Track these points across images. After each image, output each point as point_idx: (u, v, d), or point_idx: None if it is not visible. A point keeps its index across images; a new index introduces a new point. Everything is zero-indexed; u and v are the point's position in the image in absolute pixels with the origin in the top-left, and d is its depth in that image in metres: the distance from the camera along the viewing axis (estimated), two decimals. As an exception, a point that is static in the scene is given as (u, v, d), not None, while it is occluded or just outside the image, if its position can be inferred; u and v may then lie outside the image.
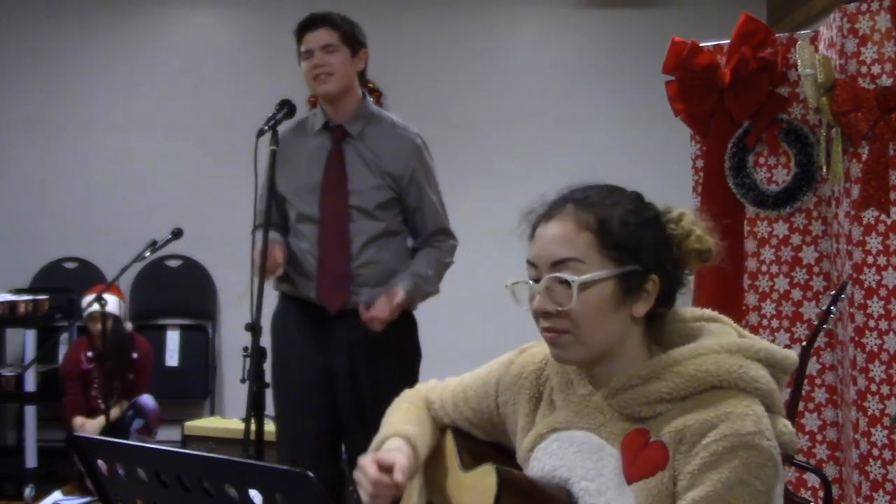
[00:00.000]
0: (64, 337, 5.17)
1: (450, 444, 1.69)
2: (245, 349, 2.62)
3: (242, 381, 2.61)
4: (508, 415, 1.63)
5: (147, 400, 4.91)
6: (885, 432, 2.89)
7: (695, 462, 1.36)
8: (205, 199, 5.70)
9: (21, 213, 5.76)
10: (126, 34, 5.86)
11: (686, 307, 1.58)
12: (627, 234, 1.45)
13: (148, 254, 4.23)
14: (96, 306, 4.48)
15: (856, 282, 2.95)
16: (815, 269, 3.22)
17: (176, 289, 5.80)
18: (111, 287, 4.54)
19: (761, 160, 3.30)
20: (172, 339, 5.74)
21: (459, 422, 1.70)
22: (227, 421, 4.60)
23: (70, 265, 5.77)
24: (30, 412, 4.95)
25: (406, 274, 2.98)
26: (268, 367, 2.72)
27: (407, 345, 3.05)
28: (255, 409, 2.59)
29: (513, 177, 5.67)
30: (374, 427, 1.75)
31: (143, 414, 4.87)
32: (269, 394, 2.70)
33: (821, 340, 3.08)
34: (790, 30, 3.83)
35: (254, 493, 1.15)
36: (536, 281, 1.48)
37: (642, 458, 1.41)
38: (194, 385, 5.70)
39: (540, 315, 1.47)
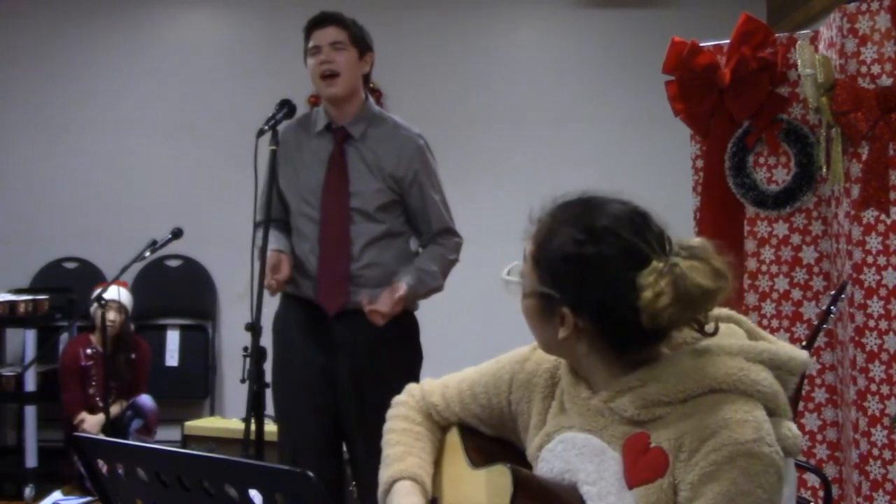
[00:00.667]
0: (64, 337, 5.17)
1: (455, 439, 1.68)
2: (245, 349, 2.62)
3: (242, 381, 2.61)
4: (522, 412, 1.62)
5: (146, 400, 4.91)
6: (885, 432, 2.89)
7: (695, 472, 1.35)
8: (205, 199, 5.70)
9: (21, 213, 5.76)
10: (126, 34, 5.86)
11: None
12: (555, 258, 1.47)
13: (148, 254, 4.23)
14: (113, 294, 4.50)
15: (856, 282, 2.95)
16: (815, 269, 3.22)
17: (176, 289, 5.80)
18: (121, 283, 4.58)
19: (761, 160, 3.30)
20: (172, 339, 5.74)
21: (468, 419, 1.68)
22: (227, 421, 4.60)
23: (70, 265, 5.77)
24: (30, 412, 4.95)
25: (409, 269, 2.99)
26: (268, 366, 2.71)
27: (408, 345, 3.05)
28: (255, 409, 2.59)
29: (513, 176, 5.68)
30: (374, 428, 1.75)
31: (141, 414, 4.87)
32: (269, 394, 2.70)
33: (821, 340, 3.08)
34: (790, 30, 3.83)
35: (254, 493, 1.15)
36: None
37: (642, 463, 1.40)
38: (194, 385, 5.70)
39: None
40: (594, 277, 1.42)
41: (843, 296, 2.86)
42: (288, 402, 3.04)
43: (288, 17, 3.16)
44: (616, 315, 1.41)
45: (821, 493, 2.93)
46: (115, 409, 4.83)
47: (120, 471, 1.29)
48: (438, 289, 3.06)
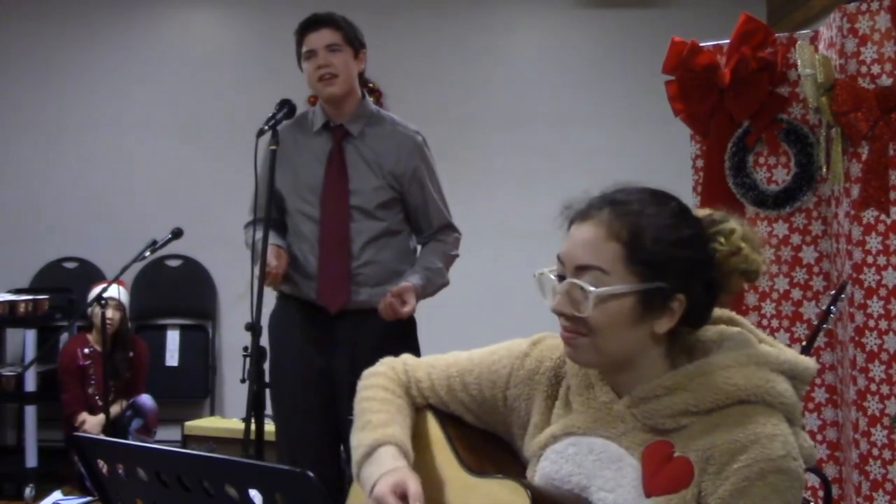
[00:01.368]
0: (64, 337, 5.17)
1: (435, 429, 1.62)
2: (245, 349, 2.62)
3: (242, 381, 2.61)
4: (518, 409, 1.58)
5: (145, 400, 4.91)
6: (885, 432, 2.89)
7: (725, 486, 1.34)
8: (205, 199, 5.69)
9: (21, 213, 5.76)
10: (126, 34, 5.86)
11: None
12: (658, 251, 1.40)
13: (148, 254, 4.22)
14: (112, 292, 4.51)
15: (856, 282, 2.95)
16: (815, 269, 3.22)
17: (176, 289, 5.80)
18: (118, 281, 4.57)
19: (761, 160, 3.30)
20: (172, 339, 5.74)
21: (451, 404, 1.63)
22: (227, 421, 4.60)
23: (70, 265, 5.77)
24: (30, 412, 4.95)
25: (416, 268, 2.99)
26: (268, 366, 2.71)
27: (406, 344, 3.02)
28: (255, 409, 2.59)
29: (513, 176, 5.68)
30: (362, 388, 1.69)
31: (141, 414, 4.87)
32: (269, 394, 2.70)
33: (821, 340, 3.08)
34: (790, 30, 3.83)
35: (254, 493, 1.15)
36: (561, 278, 1.45)
37: (665, 472, 1.38)
38: (194, 385, 5.70)
39: (559, 314, 1.45)
40: (699, 256, 1.43)
41: (843, 296, 2.86)
42: (287, 402, 3.04)
43: (288, 18, 3.15)
44: (708, 291, 1.44)
45: (821, 493, 2.93)
46: (114, 409, 4.83)
47: (120, 471, 1.29)
48: (445, 285, 3.08)
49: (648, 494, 1.38)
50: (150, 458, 1.27)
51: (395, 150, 3.00)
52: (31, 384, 4.94)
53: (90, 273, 5.63)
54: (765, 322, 3.27)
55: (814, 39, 3.20)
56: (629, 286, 1.39)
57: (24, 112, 5.81)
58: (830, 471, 3.11)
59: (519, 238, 5.34)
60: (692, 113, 3.37)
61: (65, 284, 5.51)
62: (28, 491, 4.86)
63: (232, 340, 5.69)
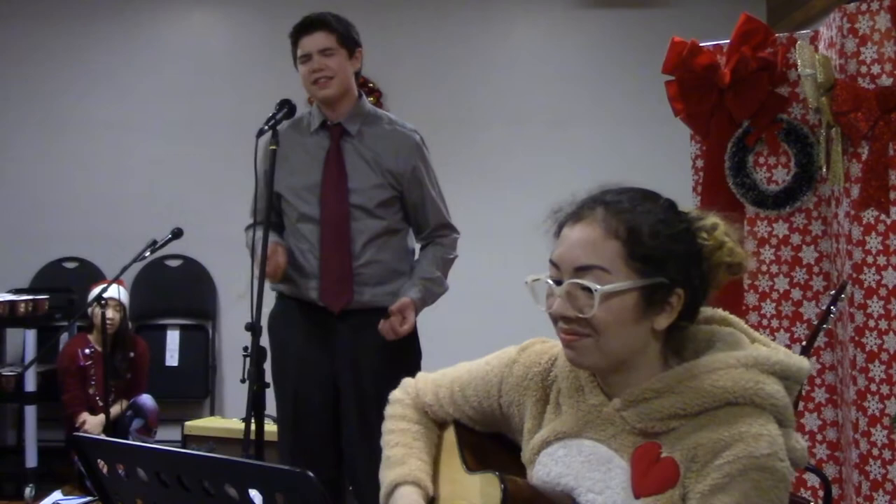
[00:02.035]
0: (64, 337, 5.17)
1: (451, 438, 1.67)
2: (245, 349, 2.62)
3: (242, 381, 2.61)
4: (514, 415, 1.60)
5: (146, 399, 4.91)
6: (885, 432, 2.89)
7: (706, 482, 1.34)
8: (205, 199, 5.69)
9: (21, 213, 5.76)
10: (126, 34, 5.86)
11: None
12: (656, 246, 1.41)
13: (148, 254, 4.22)
14: (112, 292, 4.50)
15: (856, 282, 2.95)
16: (815, 269, 3.22)
17: (176, 289, 5.80)
18: (118, 281, 4.56)
19: (761, 160, 3.30)
20: (172, 339, 5.74)
21: (462, 418, 1.67)
22: (227, 421, 4.60)
23: (70, 265, 5.77)
24: (30, 412, 4.95)
25: (413, 280, 2.99)
26: (269, 366, 2.71)
27: (407, 344, 3.05)
28: (255, 409, 2.59)
29: (512, 176, 5.68)
30: (374, 427, 1.74)
31: (142, 414, 4.87)
32: (269, 394, 2.70)
33: (821, 340, 3.08)
34: (790, 30, 3.83)
35: (254, 493, 1.15)
36: (557, 282, 1.44)
37: (653, 473, 1.39)
38: (194, 385, 5.70)
39: (559, 318, 1.44)
40: (693, 249, 1.45)
41: (843, 296, 2.86)
42: (289, 402, 3.04)
43: (287, 18, 3.15)
44: (701, 284, 1.45)
45: (821, 493, 2.93)
46: (115, 410, 4.83)
47: (120, 471, 1.29)
48: (444, 292, 3.08)
49: (637, 496, 1.38)
50: (150, 458, 1.27)
51: (393, 148, 3.00)
52: (31, 384, 4.94)
53: (90, 273, 5.64)
54: (765, 322, 3.27)
55: (814, 39, 3.20)
56: (632, 282, 1.39)
57: (24, 112, 5.81)
58: (830, 471, 3.11)
59: (518, 238, 5.33)
60: (692, 113, 3.37)
61: (65, 284, 5.51)
62: (28, 491, 4.85)
63: (232, 340, 5.69)
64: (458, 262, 3.16)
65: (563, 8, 5.93)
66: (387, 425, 1.71)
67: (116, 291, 4.75)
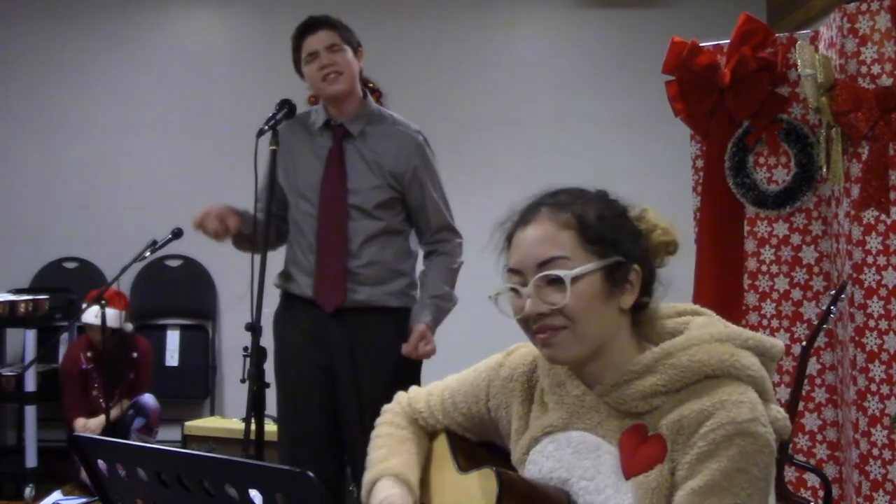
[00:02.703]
0: (64, 337, 5.17)
1: (443, 445, 1.69)
2: (245, 349, 2.62)
3: (242, 381, 2.62)
4: (501, 418, 1.63)
5: (148, 399, 4.91)
6: (885, 432, 2.89)
7: (693, 452, 1.37)
8: (205, 198, 5.65)
9: (21, 213, 5.76)
10: (126, 34, 5.86)
11: (670, 303, 1.59)
12: (606, 228, 1.47)
13: (148, 254, 4.23)
14: (93, 318, 4.46)
15: (856, 282, 2.95)
16: (815, 269, 3.22)
17: (176, 289, 5.80)
18: (110, 292, 4.52)
19: (761, 160, 3.30)
20: (172, 339, 5.74)
21: (452, 426, 1.70)
22: (227, 421, 4.60)
23: (70, 265, 5.77)
24: (30, 412, 4.95)
25: (424, 301, 3.02)
26: (268, 366, 2.72)
27: (404, 341, 3.05)
28: (255, 409, 2.59)
29: (512, 176, 5.67)
30: (373, 426, 1.75)
31: (144, 413, 4.87)
32: (269, 394, 2.70)
33: (821, 340, 3.08)
34: (790, 30, 3.83)
35: (254, 493, 1.15)
36: (523, 286, 1.47)
37: (641, 453, 1.42)
38: (194, 385, 5.70)
39: (532, 318, 1.47)
40: (633, 228, 1.51)
41: (843, 296, 2.86)
42: (289, 400, 3.04)
43: (287, 18, 3.16)
44: (650, 262, 1.51)
45: (821, 494, 2.93)
46: (116, 411, 4.83)
47: (120, 471, 1.29)
48: (454, 306, 3.11)
49: (628, 476, 1.42)
50: (150, 458, 1.27)
51: (395, 149, 3.00)
52: (31, 384, 4.95)
53: (90, 273, 5.64)
54: (765, 322, 3.27)
55: (814, 39, 3.20)
56: (594, 264, 1.45)
57: (24, 111, 5.81)
58: (830, 471, 3.11)
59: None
60: (692, 113, 3.37)
61: (65, 284, 5.51)
62: (28, 491, 4.86)
63: (232, 340, 5.69)
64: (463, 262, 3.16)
65: (563, 8, 5.93)
66: (374, 432, 1.74)
67: (97, 314, 4.56)
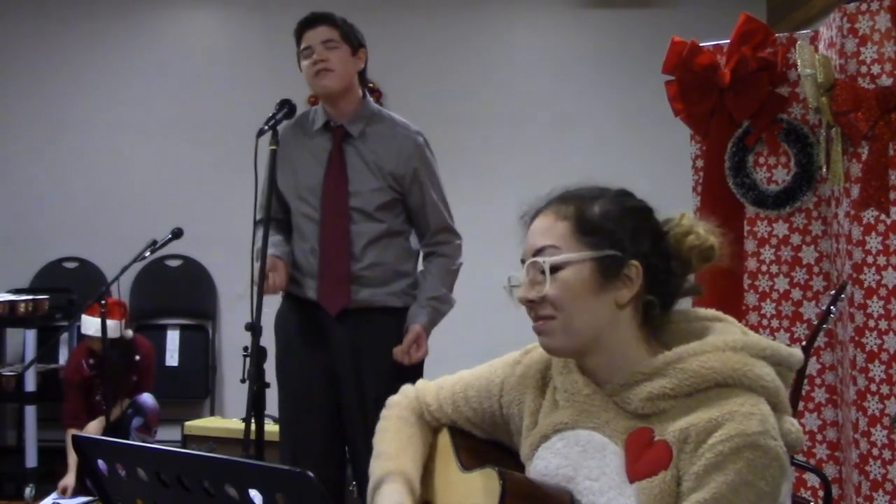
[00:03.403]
0: (64, 337, 5.18)
1: (446, 441, 1.68)
2: (245, 349, 2.62)
3: (242, 381, 2.61)
4: (513, 415, 1.63)
5: (146, 398, 4.90)
6: (885, 432, 2.89)
7: (700, 463, 1.36)
8: (205, 199, 5.70)
9: (21, 213, 5.76)
10: (127, 34, 5.86)
11: (689, 307, 1.58)
12: (604, 220, 1.48)
13: (148, 254, 4.23)
14: (94, 332, 4.45)
15: (856, 282, 2.95)
16: (815, 269, 3.22)
17: (176, 289, 5.80)
18: (109, 301, 4.49)
19: (761, 160, 3.30)
20: (172, 339, 5.74)
21: (460, 422, 1.69)
22: (227, 421, 4.60)
23: (70, 265, 5.77)
24: (30, 412, 4.95)
25: (421, 302, 3.01)
26: (269, 366, 2.72)
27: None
28: (255, 409, 2.59)
29: (512, 176, 5.67)
30: (374, 427, 1.75)
31: (142, 412, 4.86)
32: (269, 394, 2.70)
33: (821, 340, 3.08)
34: (790, 30, 3.83)
35: (254, 493, 1.15)
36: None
37: (646, 457, 1.41)
38: (194, 385, 5.70)
39: (526, 307, 1.50)
40: (644, 225, 1.50)
41: (843, 296, 2.86)
42: (290, 401, 3.04)
43: (288, 18, 3.15)
44: (662, 262, 1.50)
45: (821, 493, 2.93)
46: (117, 411, 4.82)
47: (120, 471, 1.29)
48: (452, 306, 3.10)
49: (632, 480, 1.41)
50: (150, 458, 1.27)
51: (395, 150, 3.00)
52: (31, 384, 4.95)
53: (90, 273, 5.64)
54: (765, 322, 3.27)
55: (814, 39, 3.20)
56: (580, 255, 1.46)
57: (25, 112, 5.81)
58: (830, 471, 3.11)
59: (518, 238, 5.33)
60: (692, 113, 3.37)
61: (65, 284, 5.51)
62: (28, 491, 4.86)
63: (232, 340, 5.69)
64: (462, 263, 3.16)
65: (563, 8, 5.93)
66: (382, 424, 1.73)
67: (97, 329, 4.51)
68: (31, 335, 4.97)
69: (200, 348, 5.74)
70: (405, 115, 3.17)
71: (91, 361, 4.90)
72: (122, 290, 5.10)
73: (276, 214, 3.00)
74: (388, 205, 3.00)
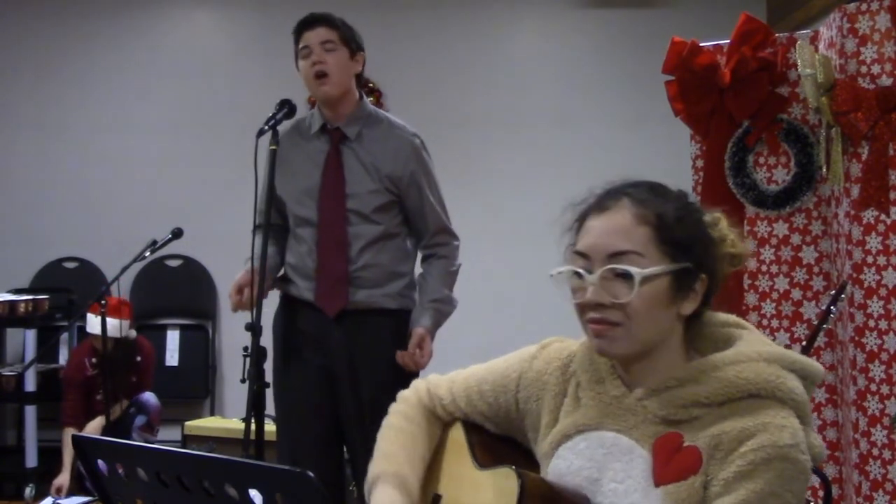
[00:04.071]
0: (64, 337, 5.17)
1: (459, 435, 1.66)
2: (245, 349, 2.62)
3: (242, 381, 2.61)
4: (530, 411, 1.61)
5: (149, 397, 4.90)
6: (885, 432, 2.89)
7: (730, 469, 1.36)
8: (205, 199, 5.70)
9: (21, 213, 5.76)
10: (126, 34, 5.86)
11: (714, 313, 1.57)
12: (682, 232, 1.45)
13: (148, 254, 4.22)
14: (98, 329, 4.46)
15: (856, 282, 2.95)
16: (815, 269, 3.22)
17: (176, 289, 5.80)
18: (114, 301, 4.49)
19: (761, 160, 3.30)
20: (172, 339, 5.74)
21: (473, 416, 1.67)
22: (227, 421, 4.60)
23: (70, 265, 5.77)
24: (30, 412, 4.95)
25: (424, 304, 3.01)
26: (268, 366, 2.71)
27: (403, 342, 3.04)
28: (255, 409, 2.59)
29: (512, 177, 5.68)
30: (373, 428, 1.74)
31: (145, 411, 4.86)
32: (269, 394, 2.70)
33: (821, 340, 3.08)
34: (790, 30, 3.83)
35: (254, 493, 1.15)
36: (588, 272, 1.44)
37: (675, 462, 1.40)
38: (194, 385, 5.70)
39: (590, 307, 1.44)
40: (709, 236, 1.49)
41: (843, 296, 2.86)
42: (288, 402, 3.04)
43: (287, 18, 3.15)
44: (718, 271, 1.49)
45: (821, 493, 2.93)
46: (117, 410, 4.82)
47: (120, 471, 1.29)
48: (454, 309, 3.09)
49: (658, 484, 1.40)
50: (150, 458, 1.27)
51: (392, 152, 2.99)
52: (31, 384, 4.95)
53: (90, 273, 5.64)
54: (765, 322, 3.27)
55: (814, 39, 3.20)
56: (664, 267, 1.43)
57: (24, 112, 5.81)
58: (830, 471, 3.11)
59: (518, 238, 5.34)
60: (692, 113, 3.37)
61: (65, 284, 5.51)
62: (28, 491, 4.86)
63: (232, 340, 5.69)
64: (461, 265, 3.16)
65: (564, 8, 5.93)
66: (388, 420, 1.71)
67: (98, 324, 4.48)
68: (31, 335, 4.97)
69: (200, 348, 5.74)
70: (405, 116, 3.16)
71: (93, 361, 4.90)
72: (122, 290, 5.10)
73: (274, 220, 2.99)
74: (385, 207, 2.99)
